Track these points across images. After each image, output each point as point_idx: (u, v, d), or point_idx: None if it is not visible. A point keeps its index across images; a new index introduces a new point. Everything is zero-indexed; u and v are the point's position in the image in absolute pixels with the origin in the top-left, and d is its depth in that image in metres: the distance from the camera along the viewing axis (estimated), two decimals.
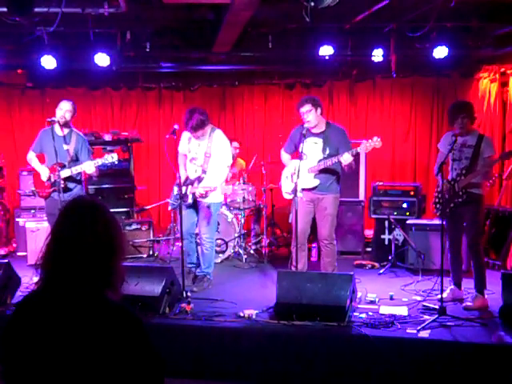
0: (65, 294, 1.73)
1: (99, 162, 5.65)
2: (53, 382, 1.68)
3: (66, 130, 5.72)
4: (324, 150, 5.40)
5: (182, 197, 5.44)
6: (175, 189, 5.69)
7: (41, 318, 1.72)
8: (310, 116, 5.35)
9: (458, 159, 5.01)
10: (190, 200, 5.58)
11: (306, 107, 5.35)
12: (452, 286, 5.17)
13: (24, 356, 1.71)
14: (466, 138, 4.98)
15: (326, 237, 5.52)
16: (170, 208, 6.07)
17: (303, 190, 5.39)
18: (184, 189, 5.56)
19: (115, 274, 1.80)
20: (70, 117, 5.72)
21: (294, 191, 5.19)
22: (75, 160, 5.73)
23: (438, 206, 5.07)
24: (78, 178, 5.82)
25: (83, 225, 1.77)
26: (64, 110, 5.66)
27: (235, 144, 7.51)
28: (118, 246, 1.82)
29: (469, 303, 4.94)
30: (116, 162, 5.82)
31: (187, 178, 5.65)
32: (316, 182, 5.41)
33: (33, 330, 1.72)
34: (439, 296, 4.77)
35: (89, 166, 5.62)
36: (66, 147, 5.66)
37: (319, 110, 5.40)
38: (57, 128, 5.70)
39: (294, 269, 5.27)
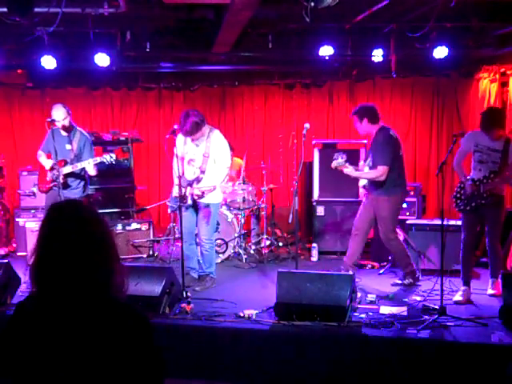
0: (67, 295, 1.72)
1: (97, 159, 5.80)
2: (53, 381, 1.68)
3: (70, 130, 5.92)
4: (368, 155, 5.73)
5: (182, 198, 5.43)
6: (174, 191, 5.65)
7: (43, 319, 1.72)
8: (358, 126, 5.70)
9: (484, 162, 5.13)
10: (189, 201, 5.53)
11: (354, 118, 5.68)
12: (463, 287, 5.19)
13: (25, 357, 1.70)
14: (493, 142, 5.10)
15: (382, 236, 5.71)
16: (169, 211, 6.05)
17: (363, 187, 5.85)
18: (183, 190, 5.51)
19: (114, 272, 1.80)
20: (68, 121, 5.87)
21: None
22: (79, 158, 5.88)
23: (458, 201, 5.21)
24: (82, 173, 5.96)
25: (73, 226, 1.76)
26: (60, 119, 5.80)
27: None
28: (110, 244, 1.82)
29: (492, 291, 5.21)
30: (114, 162, 5.93)
31: (185, 180, 5.61)
32: (363, 182, 5.75)
33: (35, 331, 1.71)
34: (455, 299, 5.02)
35: (88, 164, 5.73)
36: (68, 147, 5.86)
37: (365, 120, 5.60)
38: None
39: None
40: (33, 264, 1.76)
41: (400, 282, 5.74)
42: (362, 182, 5.77)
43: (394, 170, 5.55)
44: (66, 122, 5.83)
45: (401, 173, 5.68)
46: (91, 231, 1.77)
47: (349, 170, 5.64)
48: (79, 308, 1.71)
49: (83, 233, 1.75)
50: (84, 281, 1.72)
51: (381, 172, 5.47)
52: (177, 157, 5.41)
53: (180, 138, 5.61)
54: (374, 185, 5.61)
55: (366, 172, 5.67)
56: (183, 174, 5.64)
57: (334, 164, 5.58)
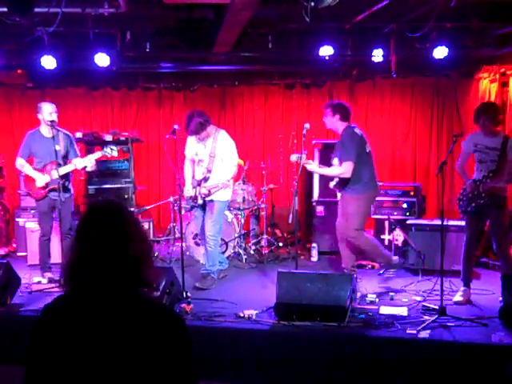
0: (101, 297, 1.72)
1: (99, 154, 5.76)
2: (85, 381, 1.67)
3: (55, 131, 5.60)
4: (335, 153, 5.57)
5: (193, 198, 5.61)
6: (185, 192, 5.76)
7: (76, 319, 1.71)
8: (327, 120, 5.58)
9: (484, 161, 5.07)
10: (199, 201, 5.67)
11: (327, 111, 5.56)
12: (463, 288, 5.18)
13: (57, 358, 1.69)
14: (491, 140, 5.03)
15: (342, 233, 5.57)
16: (183, 212, 6.11)
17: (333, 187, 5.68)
18: (193, 191, 5.69)
19: (149, 273, 1.80)
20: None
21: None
22: (67, 157, 5.78)
23: (460, 203, 5.16)
24: (70, 173, 5.85)
25: (113, 227, 1.77)
26: (54, 111, 5.67)
27: None
28: (147, 246, 1.85)
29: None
30: (116, 154, 5.85)
31: (195, 180, 5.75)
32: (332, 183, 5.60)
33: (68, 332, 1.70)
34: (455, 299, 4.98)
35: (89, 161, 5.66)
36: (57, 147, 5.61)
37: (337, 117, 5.50)
38: (43, 129, 5.75)
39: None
40: (69, 263, 1.77)
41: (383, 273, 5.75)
42: (332, 183, 5.61)
43: (362, 168, 5.41)
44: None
45: (371, 171, 5.54)
46: (130, 232, 1.79)
47: (312, 166, 5.58)
48: (114, 307, 1.71)
49: (123, 233, 1.77)
50: (120, 281, 1.73)
51: (345, 168, 5.36)
52: (185, 159, 5.52)
53: (190, 139, 5.79)
54: (342, 184, 5.48)
55: (330, 168, 5.54)
56: (193, 174, 5.79)
57: (292, 158, 5.49)
